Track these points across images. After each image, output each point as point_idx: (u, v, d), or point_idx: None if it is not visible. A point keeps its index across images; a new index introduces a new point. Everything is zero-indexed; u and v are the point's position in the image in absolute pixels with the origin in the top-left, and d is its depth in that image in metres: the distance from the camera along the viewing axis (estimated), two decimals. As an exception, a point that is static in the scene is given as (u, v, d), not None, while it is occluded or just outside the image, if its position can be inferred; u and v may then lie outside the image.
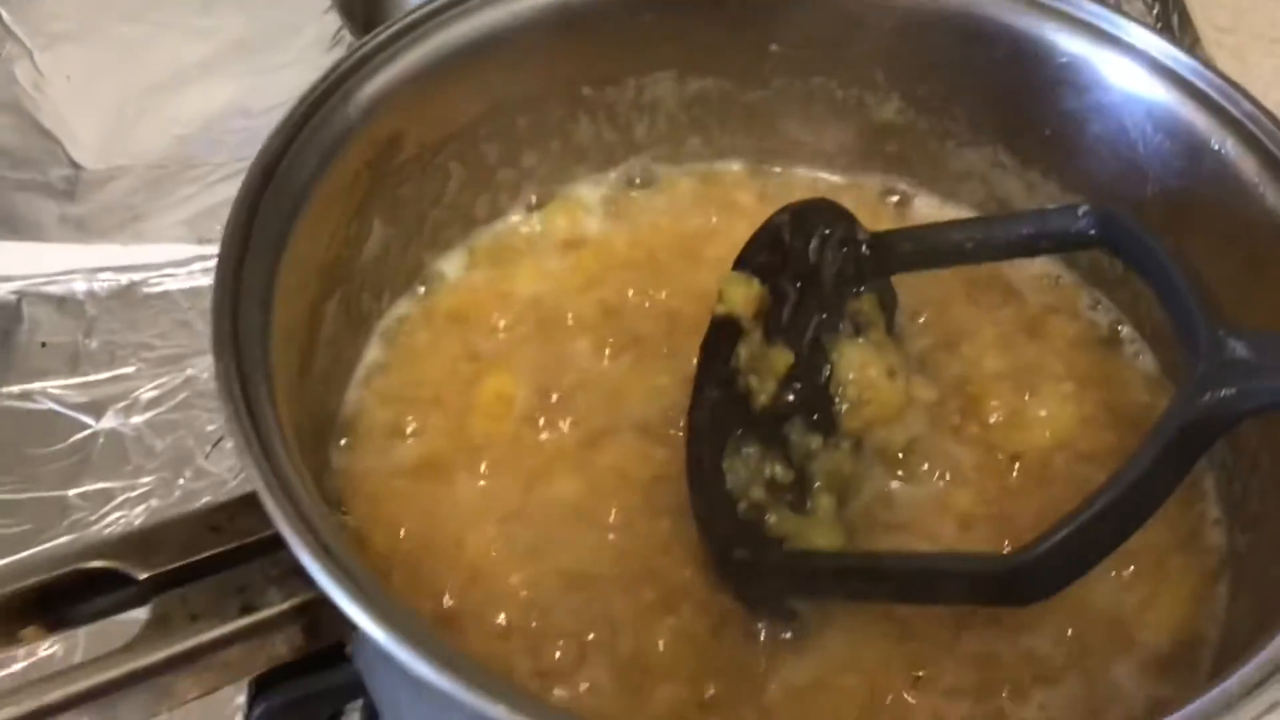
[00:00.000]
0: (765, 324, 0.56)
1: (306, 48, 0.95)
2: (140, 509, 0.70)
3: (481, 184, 0.64)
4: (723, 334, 0.56)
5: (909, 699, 0.51)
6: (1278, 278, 0.53)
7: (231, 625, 0.40)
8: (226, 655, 0.41)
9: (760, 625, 0.53)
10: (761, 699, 0.51)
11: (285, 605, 0.41)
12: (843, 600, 0.51)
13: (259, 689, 0.63)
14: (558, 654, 0.52)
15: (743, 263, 0.57)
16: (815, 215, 0.59)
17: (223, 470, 0.72)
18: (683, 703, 0.51)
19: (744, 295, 0.56)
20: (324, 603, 0.42)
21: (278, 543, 0.42)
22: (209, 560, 0.42)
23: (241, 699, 0.62)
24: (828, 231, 0.59)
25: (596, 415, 0.59)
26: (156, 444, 0.73)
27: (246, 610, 0.41)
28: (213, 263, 0.79)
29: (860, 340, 0.59)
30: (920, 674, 0.52)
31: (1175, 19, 0.85)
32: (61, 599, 0.42)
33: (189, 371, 0.76)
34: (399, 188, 0.60)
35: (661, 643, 0.52)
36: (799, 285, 0.58)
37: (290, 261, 0.51)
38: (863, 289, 0.60)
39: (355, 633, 0.45)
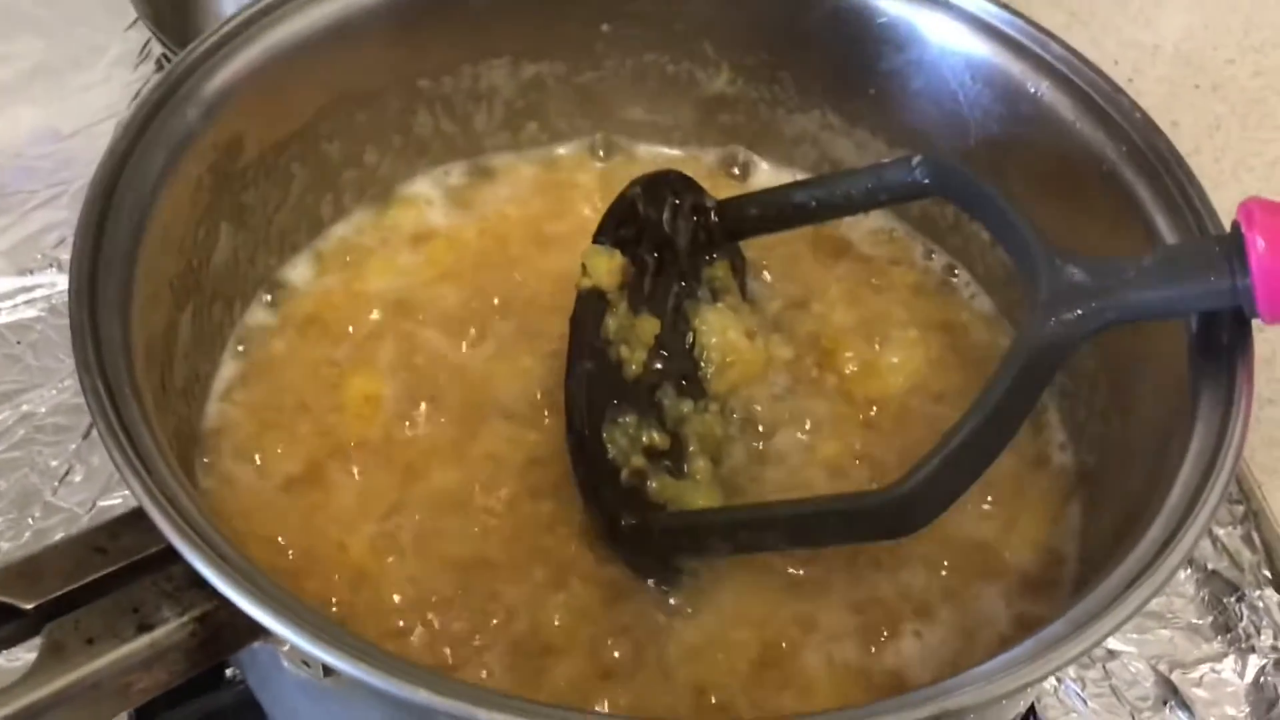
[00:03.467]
0: (629, 294, 0.57)
1: (112, 65, 0.91)
2: (-10, 553, 0.67)
3: (325, 185, 0.64)
4: (589, 307, 0.56)
5: (800, 646, 0.53)
6: (1098, 209, 0.57)
7: (130, 645, 0.39)
8: (128, 678, 0.39)
9: (651, 590, 0.54)
10: (660, 661, 0.52)
11: (184, 618, 0.40)
12: (732, 554, 0.53)
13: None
14: (454, 644, 0.52)
15: (602, 235, 0.58)
16: (665, 186, 0.61)
17: (73, 505, 0.69)
18: (584, 676, 0.52)
19: (607, 267, 0.57)
20: (222, 611, 0.41)
21: (167, 557, 0.41)
22: (97, 582, 0.40)
23: None
24: (678, 201, 0.61)
25: (465, 405, 0.60)
26: (0, 484, 0.69)
27: (144, 629, 0.40)
28: (37, 294, 0.78)
29: (719, 305, 0.61)
30: (808, 622, 0.54)
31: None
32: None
33: (24, 407, 0.73)
34: (243, 193, 0.59)
35: (556, 619, 0.53)
36: (656, 255, 0.59)
37: (142, 275, 0.50)
38: (715, 256, 0.62)
39: (254, 643, 0.45)
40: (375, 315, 0.62)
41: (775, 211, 0.62)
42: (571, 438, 0.54)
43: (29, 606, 0.39)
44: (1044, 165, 0.59)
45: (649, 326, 0.57)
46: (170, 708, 0.61)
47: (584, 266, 0.57)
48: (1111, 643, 0.67)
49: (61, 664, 0.38)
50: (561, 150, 0.70)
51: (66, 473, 0.70)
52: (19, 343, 0.75)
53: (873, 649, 0.53)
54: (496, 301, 0.63)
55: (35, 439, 0.72)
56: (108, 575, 0.41)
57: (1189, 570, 0.70)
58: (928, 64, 0.62)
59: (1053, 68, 0.58)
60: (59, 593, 0.40)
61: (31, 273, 0.78)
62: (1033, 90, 0.58)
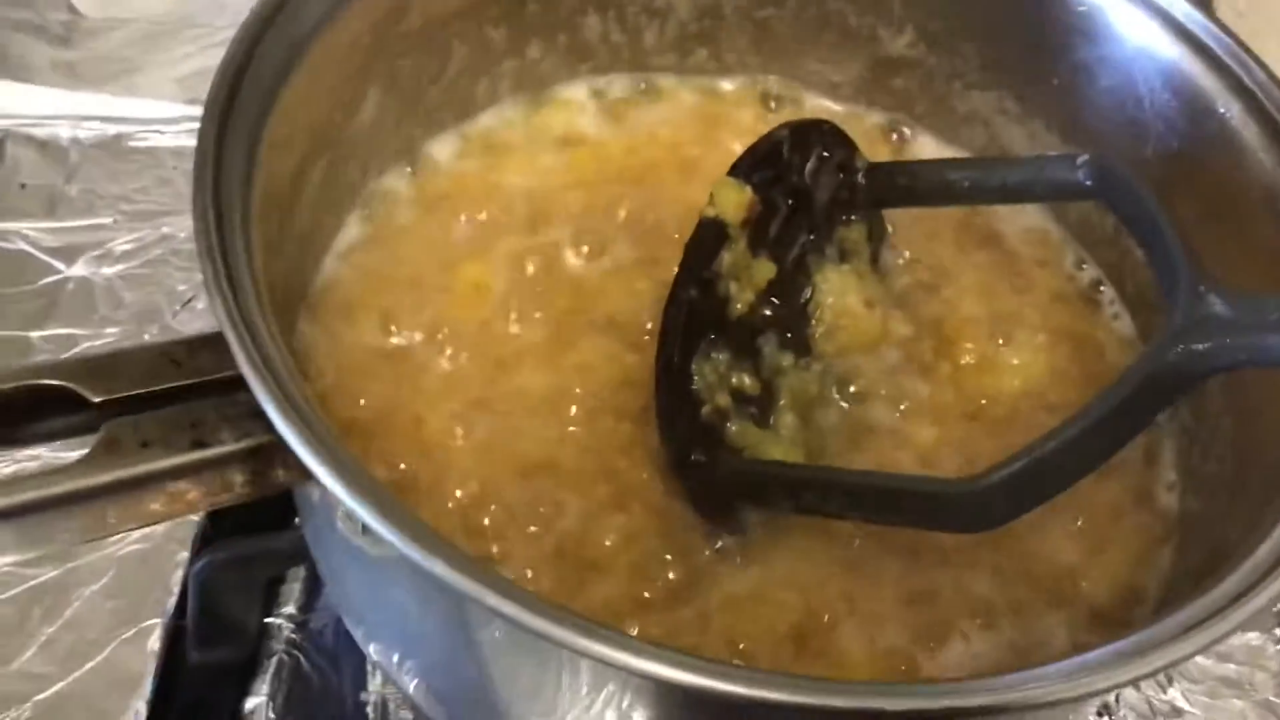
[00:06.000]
0: (752, 234, 0.56)
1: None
2: (103, 358, 0.70)
3: (483, 69, 0.63)
4: (708, 236, 0.55)
5: (842, 622, 0.52)
6: (1261, 245, 0.53)
7: (181, 457, 0.40)
8: (173, 487, 0.40)
9: (709, 534, 0.53)
10: (700, 605, 0.51)
11: (238, 445, 0.41)
12: (794, 512, 0.51)
13: (203, 544, 0.64)
14: (502, 538, 0.52)
15: (737, 170, 0.57)
16: (816, 135, 0.59)
17: (190, 331, 0.71)
18: (621, 599, 0.51)
19: (735, 201, 0.55)
20: (276, 448, 0.41)
21: (236, 384, 0.41)
22: (165, 392, 0.41)
23: (184, 554, 0.63)
24: (826, 154, 0.59)
25: (570, 313, 0.59)
26: (126, 296, 0.72)
27: (198, 445, 0.40)
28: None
29: (844, 267, 0.59)
30: (856, 600, 0.52)
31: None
32: (13, 415, 0.41)
33: (165, 229, 0.75)
34: (399, 58, 0.59)
35: (609, 539, 0.53)
36: (791, 202, 0.58)
37: (281, 114, 0.50)
38: (854, 217, 0.60)
39: (304, 486, 0.45)
40: (504, 208, 0.62)
41: (925, 185, 0.60)
42: (660, 360, 0.53)
43: (95, 399, 0.40)
44: (1218, 191, 0.55)
45: (764, 270, 0.56)
46: (232, 535, 0.64)
47: (712, 196, 0.56)
48: (1181, 701, 0.64)
49: (113, 459, 0.39)
50: (726, 84, 0.69)
51: (190, 300, 0.72)
52: (174, 167, 0.78)
53: (916, 642, 0.51)
54: (623, 217, 0.62)
55: (169, 261, 0.74)
56: (176, 388, 0.42)
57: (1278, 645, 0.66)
58: (1119, 62, 0.58)
59: (1249, 91, 0.54)
60: (126, 393, 0.41)
61: (198, 103, 0.80)
62: (1222, 110, 0.55)
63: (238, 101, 0.48)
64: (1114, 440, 0.46)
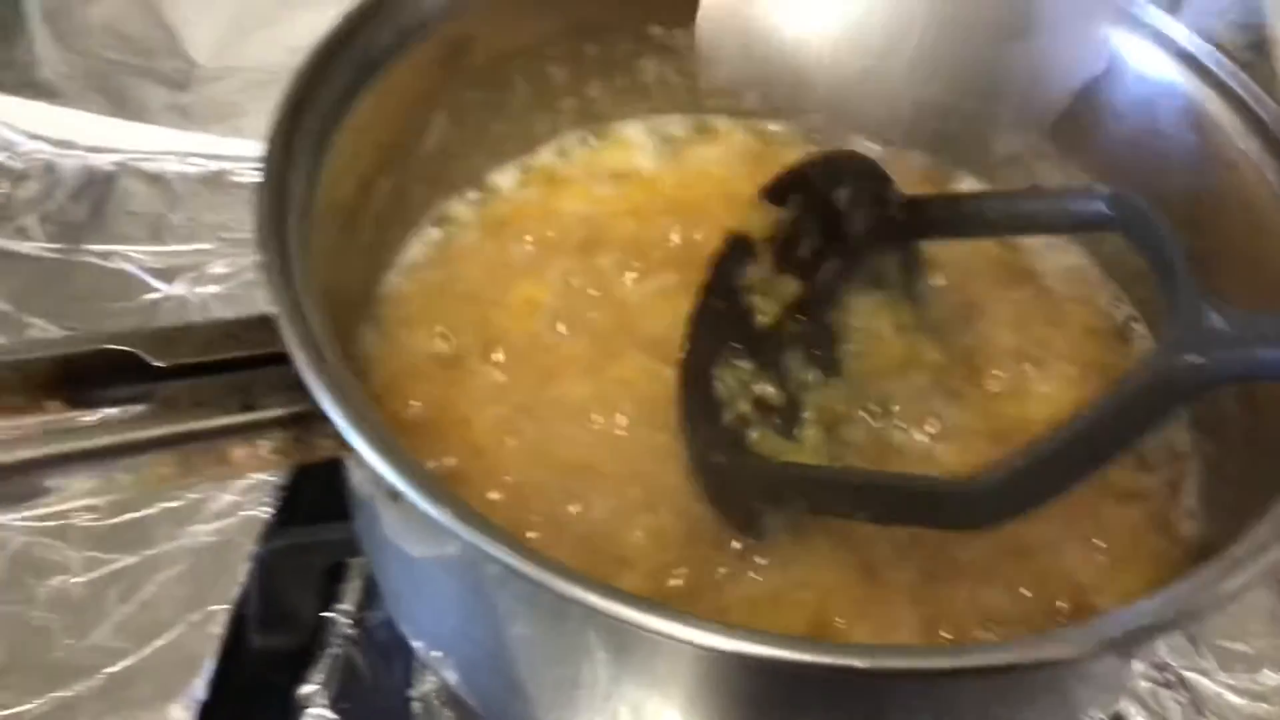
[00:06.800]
0: (780, 253, 0.59)
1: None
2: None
3: (544, 105, 0.68)
4: (734, 250, 0.58)
5: (856, 625, 0.53)
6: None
7: (231, 417, 0.44)
8: (224, 445, 0.44)
9: (732, 538, 0.55)
10: (716, 604, 0.53)
11: (282, 411, 0.45)
12: (808, 511, 0.54)
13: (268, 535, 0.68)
14: (537, 527, 0.55)
15: (769, 193, 0.60)
16: (849, 167, 0.62)
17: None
18: (643, 592, 0.54)
19: (761, 220, 0.59)
20: (318, 417, 0.45)
21: (286, 358, 0.46)
22: (222, 362, 0.46)
23: (252, 547, 0.67)
24: (859, 185, 0.62)
25: (613, 329, 0.62)
26: (217, 313, 0.77)
27: (247, 408, 0.45)
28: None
29: (877, 294, 0.62)
30: (869, 608, 0.54)
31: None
32: (85, 379, 0.46)
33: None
34: (465, 90, 0.63)
35: (636, 534, 0.55)
36: (823, 227, 0.61)
37: (350, 127, 0.55)
38: (889, 248, 0.63)
39: (338, 452, 0.49)
40: (560, 233, 0.66)
41: (957, 217, 0.62)
42: (682, 364, 0.56)
43: (159, 364, 0.45)
44: (1234, 225, 0.57)
45: (790, 287, 0.59)
46: (296, 524, 0.68)
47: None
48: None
49: (168, 415, 0.44)
50: (775, 126, 0.72)
51: (274, 319, 0.77)
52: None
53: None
54: (671, 245, 0.66)
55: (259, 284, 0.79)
56: (233, 359, 0.46)
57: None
58: (1141, 102, 0.61)
59: (1264, 126, 0.56)
60: (186, 361, 0.45)
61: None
62: (1242, 147, 0.57)
63: (306, 113, 0.53)
64: (1106, 449, 0.48)
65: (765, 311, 0.58)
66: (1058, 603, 0.55)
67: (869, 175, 0.62)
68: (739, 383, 0.56)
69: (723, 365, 0.56)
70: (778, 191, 0.60)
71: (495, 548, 0.41)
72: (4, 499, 0.41)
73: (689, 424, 0.56)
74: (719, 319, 0.57)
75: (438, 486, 0.42)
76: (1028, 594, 0.55)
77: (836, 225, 0.61)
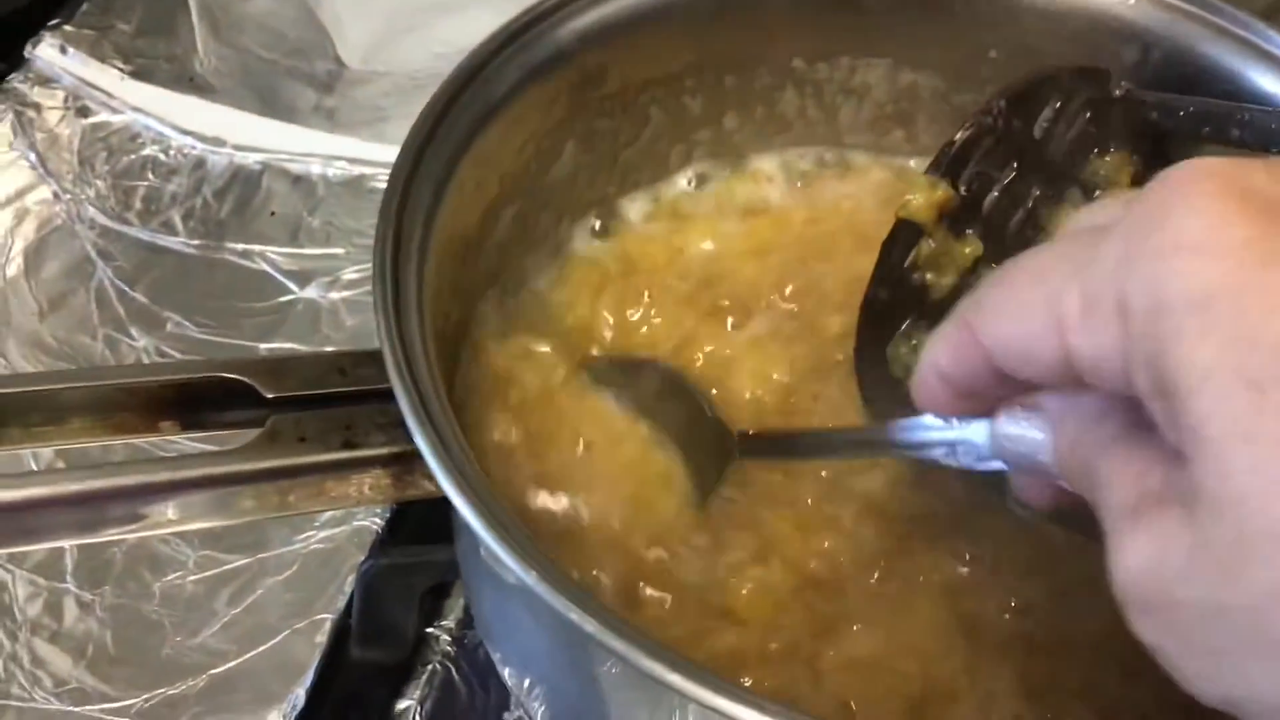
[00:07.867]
0: (956, 218, 0.57)
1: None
2: (319, 374, 0.76)
3: (678, 135, 0.67)
4: (900, 237, 0.57)
5: (964, 696, 0.52)
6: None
7: (332, 454, 0.44)
8: (323, 480, 0.45)
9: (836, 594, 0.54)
10: (818, 662, 0.52)
11: (383, 450, 0.45)
12: None
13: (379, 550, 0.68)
14: (643, 582, 0.54)
15: (933, 166, 0.57)
16: (1046, 90, 0.58)
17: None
18: (746, 650, 0.53)
19: (926, 200, 0.57)
20: (418, 457, 0.45)
21: (391, 395, 0.46)
22: (328, 396, 0.46)
23: (361, 558, 0.68)
24: (1059, 104, 0.58)
25: (727, 375, 0.61)
26: (347, 319, 0.79)
27: (348, 445, 0.45)
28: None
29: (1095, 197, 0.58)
30: (979, 676, 0.52)
31: None
32: (199, 403, 0.47)
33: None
34: (597, 119, 0.63)
35: (744, 590, 0.54)
36: (1015, 166, 0.58)
37: (474, 158, 0.55)
38: (1110, 149, 0.59)
39: (434, 494, 0.49)
40: (681, 269, 0.65)
41: (1176, 121, 0.58)
42: (856, 351, 0.57)
43: (268, 395, 0.45)
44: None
45: (969, 249, 0.57)
46: (406, 544, 0.68)
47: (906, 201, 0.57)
48: None
49: (272, 448, 0.44)
50: (915, 163, 0.70)
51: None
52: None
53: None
54: (793, 282, 0.64)
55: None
56: (338, 393, 0.46)
57: None
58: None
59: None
60: (294, 393, 0.45)
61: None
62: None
63: (433, 143, 0.53)
64: None
65: (939, 284, 0.57)
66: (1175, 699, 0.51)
67: (1077, 85, 0.58)
68: (913, 350, 0.55)
69: (898, 341, 0.56)
70: (942, 161, 0.57)
71: (589, 623, 0.40)
72: (98, 525, 0.41)
73: (867, 408, 0.56)
74: (884, 309, 0.56)
75: (531, 548, 0.41)
76: (1144, 684, 0.52)
77: (1033, 154, 0.58)
